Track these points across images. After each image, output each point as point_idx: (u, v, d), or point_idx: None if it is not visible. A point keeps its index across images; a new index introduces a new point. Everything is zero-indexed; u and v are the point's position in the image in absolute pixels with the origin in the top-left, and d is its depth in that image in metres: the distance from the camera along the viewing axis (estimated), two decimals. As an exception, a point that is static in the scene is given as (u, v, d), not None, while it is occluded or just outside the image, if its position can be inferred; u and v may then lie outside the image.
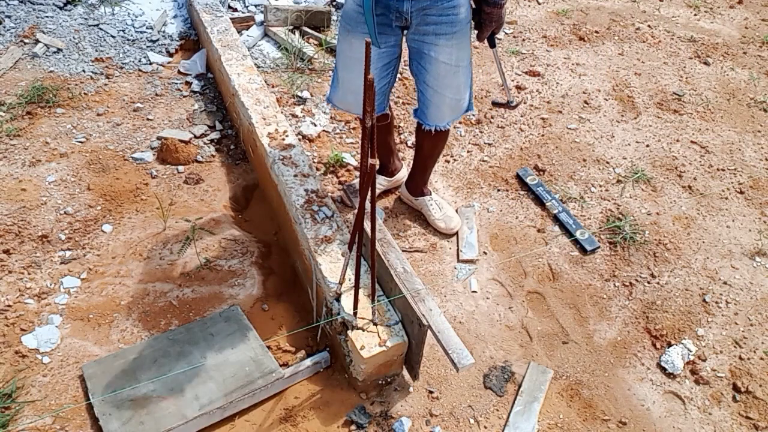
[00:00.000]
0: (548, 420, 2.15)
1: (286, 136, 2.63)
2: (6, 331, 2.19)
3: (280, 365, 2.12)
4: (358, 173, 2.92)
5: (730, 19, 4.48)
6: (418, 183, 2.71)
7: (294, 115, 3.25)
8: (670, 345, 2.39)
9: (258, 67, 3.54)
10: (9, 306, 2.26)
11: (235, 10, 3.94)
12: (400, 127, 3.29)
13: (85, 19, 3.67)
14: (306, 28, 3.89)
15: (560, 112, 3.48)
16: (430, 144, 2.46)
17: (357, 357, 2.00)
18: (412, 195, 2.75)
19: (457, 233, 2.72)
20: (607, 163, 3.17)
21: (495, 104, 2.71)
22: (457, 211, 2.82)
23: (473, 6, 2.09)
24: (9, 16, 3.56)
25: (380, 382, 2.14)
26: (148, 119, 3.15)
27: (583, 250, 2.71)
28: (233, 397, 2.02)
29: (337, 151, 3.00)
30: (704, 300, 2.55)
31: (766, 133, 3.44)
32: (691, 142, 3.34)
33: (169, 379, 2.05)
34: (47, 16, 3.62)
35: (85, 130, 3.03)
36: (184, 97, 3.34)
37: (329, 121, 3.25)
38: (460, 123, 3.33)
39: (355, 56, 2.09)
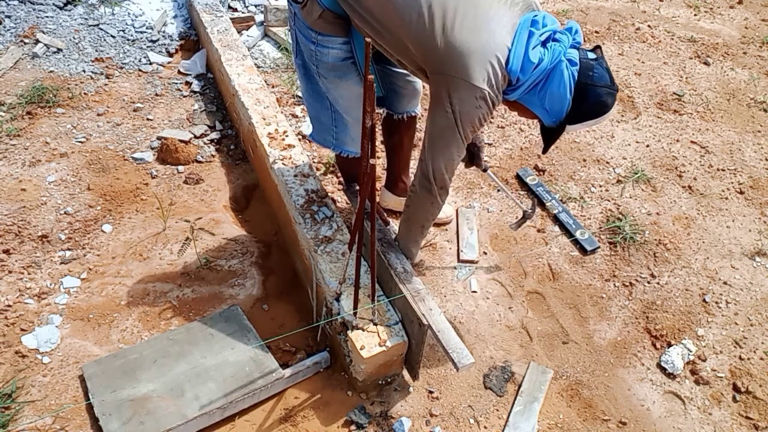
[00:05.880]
0: (548, 420, 2.15)
1: (286, 136, 2.63)
2: (6, 331, 2.19)
3: (280, 365, 2.12)
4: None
5: (730, 19, 4.48)
6: (404, 180, 2.65)
7: (294, 115, 3.25)
8: (670, 345, 2.39)
9: (258, 67, 3.54)
10: (9, 306, 2.26)
11: (235, 10, 3.94)
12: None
13: (85, 19, 3.67)
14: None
15: (560, 112, 3.47)
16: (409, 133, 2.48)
17: (357, 357, 2.00)
18: (399, 195, 2.66)
19: (457, 233, 2.72)
20: (607, 163, 3.17)
21: (518, 225, 2.57)
22: (457, 211, 2.83)
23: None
24: (9, 16, 3.56)
25: (380, 382, 2.14)
26: (148, 119, 3.15)
27: (583, 250, 2.71)
28: (233, 397, 2.02)
29: (337, 151, 2.99)
30: (704, 300, 2.55)
31: (766, 133, 3.44)
32: (691, 142, 3.34)
33: (169, 379, 2.05)
34: (47, 16, 3.62)
35: (85, 130, 3.03)
36: (184, 97, 3.34)
37: (329, 121, 3.25)
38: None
39: (354, 95, 2.05)
